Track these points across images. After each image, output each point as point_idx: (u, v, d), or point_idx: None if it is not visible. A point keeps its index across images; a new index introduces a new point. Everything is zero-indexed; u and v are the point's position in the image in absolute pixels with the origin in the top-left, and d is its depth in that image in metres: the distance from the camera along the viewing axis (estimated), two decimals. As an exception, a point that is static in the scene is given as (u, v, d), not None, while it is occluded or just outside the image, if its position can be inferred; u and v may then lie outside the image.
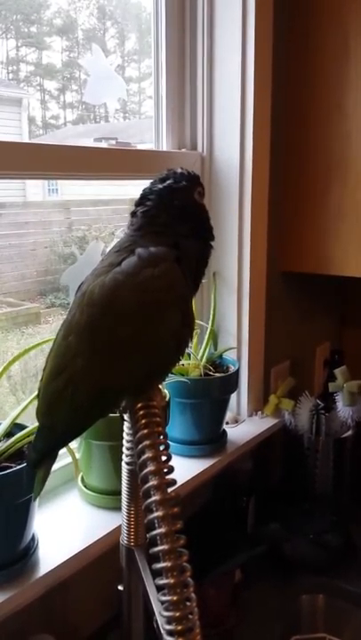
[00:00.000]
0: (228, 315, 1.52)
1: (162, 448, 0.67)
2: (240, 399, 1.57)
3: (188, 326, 0.70)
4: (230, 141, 1.42)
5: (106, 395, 0.70)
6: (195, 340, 1.36)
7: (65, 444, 0.77)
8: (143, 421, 0.69)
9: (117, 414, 0.77)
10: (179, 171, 0.75)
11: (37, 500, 0.95)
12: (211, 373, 1.34)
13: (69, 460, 1.13)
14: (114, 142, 1.24)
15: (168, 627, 0.58)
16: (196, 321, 1.36)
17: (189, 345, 0.79)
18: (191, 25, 1.40)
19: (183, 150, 1.42)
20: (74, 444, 1.12)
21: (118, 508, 0.87)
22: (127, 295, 0.66)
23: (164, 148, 1.40)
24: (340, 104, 1.46)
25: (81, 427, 0.74)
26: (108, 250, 0.78)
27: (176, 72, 1.39)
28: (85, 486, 1.15)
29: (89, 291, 0.69)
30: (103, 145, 1.23)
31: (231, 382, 1.36)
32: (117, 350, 0.67)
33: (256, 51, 1.36)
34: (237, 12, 1.36)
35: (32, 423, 0.97)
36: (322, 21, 1.46)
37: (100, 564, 1.04)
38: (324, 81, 1.47)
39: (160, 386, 0.84)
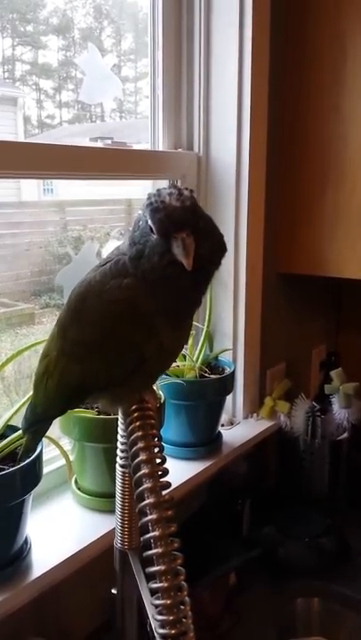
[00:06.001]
0: (223, 316, 1.51)
1: (156, 450, 0.67)
2: (235, 401, 1.56)
3: (157, 343, 0.66)
4: (227, 142, 1.41)
5: (71, 390, 0.72)
6: (190, 341, 1.35)
7: (45, 421, 0.80)
8: (137, 423, 0.69)
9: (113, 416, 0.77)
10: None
11: (30, 503, 0.95)
12: (206, 375, 1.33)
13: (63, 462, 1.12)
14: (110, 142, 1.23)
15: (162, 630, 0.58)
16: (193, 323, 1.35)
17: (168, 363, 0.77)
18: (188, 25, 1.39)
19: (179, 150, 1.42)
20: (67, 447, 1.11)
21: (112, 511, 0.86)
22: (92, 302, 0.67)
23: (161, 149, 1.39)
24: (336, 105, 1.46)
25: (54, 412, 0.78)
26: (103, 250, 0.78)
27: (173, 72, 1.39)
28: (79, 489, 1.15)
29: (73, 289, 0.71)
30: (99, 145, 1.23)
31: (227, 384, 1.35)
32: (80, 352, 0.69)
33: (253, 51, 1.36)
34: (235, 12, 1.35)
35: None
36: (319, 23, 1.46)
37: (93, 567, 1.04)
38: (321, 82, 1.47)
39: (155, 387, 0.83)
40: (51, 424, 0.81)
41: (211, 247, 0.64)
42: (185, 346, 1.32)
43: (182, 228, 0.60)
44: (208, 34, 1.39)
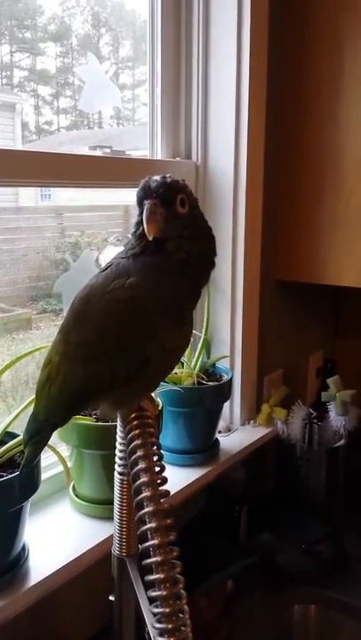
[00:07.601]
0: (221, 323, 1.51)
1: (155, 459, 0.67)
2: (233, 408, 1.56)
3: (158, 342, 0.67)
4: (225, 150, 1.42)
5: (73, 394, 0.72)
6: (188, 348, 1.35)
7: (47, 430, 0.79)
8: (137, 431, 0.69)
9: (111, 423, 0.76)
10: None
11: (29, 509, 0.95)
12: (204, 382, 1.33)
13: (61, 468, 1.12)
14: (108, 151, 1.24)
15: (161, 638, 0.58)
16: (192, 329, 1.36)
17: (170, 364, 0.76)
18: (187, 33, 1.40)
19: (178, 159, 1.42)
20: (65, 453, 1.11)
21: (110, 518, 0.86)
22: (95, 303, 0.68)
23: (159, 157, 1.40)
24: (334, 114, 1.46)
25: (56, 419, 0.76)
26: (101, 257, 0.78)
27: (171, 80, 1.40)
28: (77, 495, 1.14)
29: (77, 295, 0.72)
30: (98, 154, 1.23)
31: (224, 391, 1.35)
32: (82, 353, 0.69)
33: (251, 60, 1.37)
34: (233, 20, 1.36)
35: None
36: (317, 32, 1.46)
37: (91, 574, 1.03)
38: (319, 91, 1.48)
39: (153, 394, 0.83)
40: (52, 434, 0.80)
41: (196, 239, 0.67)
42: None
43: (152, 196, 0.63)
44: (206, 43, 1.40)
